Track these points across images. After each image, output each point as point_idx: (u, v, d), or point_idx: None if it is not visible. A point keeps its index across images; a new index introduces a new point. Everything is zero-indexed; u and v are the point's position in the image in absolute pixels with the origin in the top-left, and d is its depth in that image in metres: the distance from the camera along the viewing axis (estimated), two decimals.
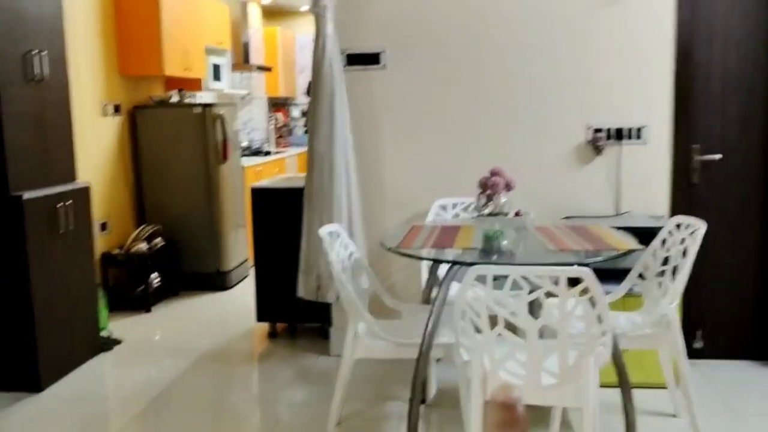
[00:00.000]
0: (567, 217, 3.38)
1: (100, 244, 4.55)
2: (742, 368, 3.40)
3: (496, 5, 3.39)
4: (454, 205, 3.43)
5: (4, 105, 3.09)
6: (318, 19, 3.25)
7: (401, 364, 3.49)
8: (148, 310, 4.63)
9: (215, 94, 6.31)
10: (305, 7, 7.89)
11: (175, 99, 5.36)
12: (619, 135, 3.38)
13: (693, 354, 3.47)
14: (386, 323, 2.68)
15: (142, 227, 4.83)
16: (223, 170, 5.09)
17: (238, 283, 5.32)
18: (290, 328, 4.22)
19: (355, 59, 3.48)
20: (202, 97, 5.97)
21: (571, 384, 2.02)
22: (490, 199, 2.80)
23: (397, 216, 3.58)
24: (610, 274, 3.04)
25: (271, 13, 8.12)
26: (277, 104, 8.30)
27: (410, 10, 3.44)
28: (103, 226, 4.64)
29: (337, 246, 2.65)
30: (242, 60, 6.55)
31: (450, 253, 2.39)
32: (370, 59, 3.47)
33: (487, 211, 2.80)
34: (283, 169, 6.76)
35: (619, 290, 2.88)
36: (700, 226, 2.52)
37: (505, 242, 2.45)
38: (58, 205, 3.40)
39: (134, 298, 4.64)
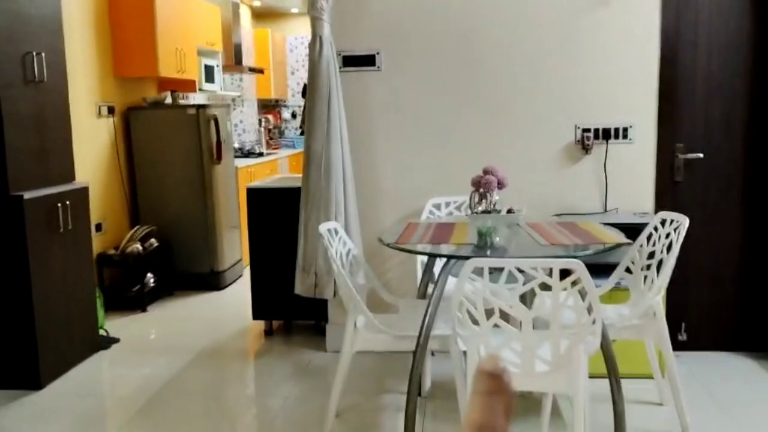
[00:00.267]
0: (557, 215, 3.48)
1: (95, 244, 4.59)
2: (724, 359, 3.53)
3: (488, 10, 3.49)
4: (448, 204, 3.52)
5: (5, 106, 3.14)
6: (315, 21, 3.33)
7: (396, 358, 3.58)
8: (143, 309, 4.68)
9: (208, 96, 6.36)
10: (296, 9, 7.96)
11: (168, 100, 5.42)
12: (606, 135, 3.49)
13: (677, 346, 3.58)
14: (384, 317, 2.77)
15: (136, 228, 4.87)
16: (217, 171, 5.15)
17: (232, 283, 5.38)
18: (286, 325, 4.29)
19: (350, 61, 3.56)
20: (194, 98, 6.02)
21: (563, 371, 2.12)
22: (483, 197, 2.89)
23: (392, 214, 3.66)
24: (599, 268, 3.15)
25: (261, 15, 8.19)
26: (268, 106, 8.36)
27: (405, 13, 3.53)
28: (98, 227, 4.68)
29: (336, 242, 2.73)
30: (233, 61, 6.61)
31: (446, 249, 2.48)
32: (366, 61, 3.56)
33: (480, 208, 2.89)
34: (275, 170, 6.82)
35: (607, 284, 2.99)
36: (684, 222, 2.63)
37: (498, 238, 2.54)
38: (58, 205, 3.46)
39: (130, 298, 4.69)
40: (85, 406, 3.13)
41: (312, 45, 3.37)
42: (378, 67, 3.57)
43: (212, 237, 5.11)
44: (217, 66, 6.14)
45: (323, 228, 2.66)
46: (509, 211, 2.90)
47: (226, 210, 5.31)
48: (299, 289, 3.48)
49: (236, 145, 6.82)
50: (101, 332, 4.02)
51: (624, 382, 3.21)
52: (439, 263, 2.77)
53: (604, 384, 2.51)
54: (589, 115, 3.50)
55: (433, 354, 3.58)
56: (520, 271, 2.07)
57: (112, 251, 4.70)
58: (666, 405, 3.00)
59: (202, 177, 5.05)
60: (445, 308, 2.51)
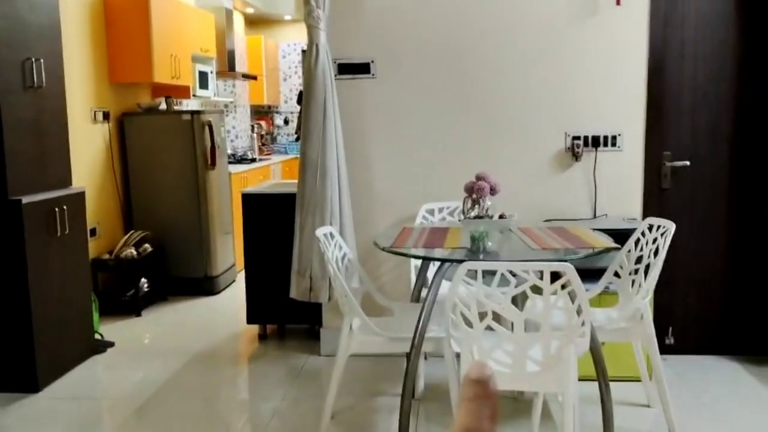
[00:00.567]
0: (548, 220, 3.55)
1: (90, 249, 4.61)
2: (710, 362, 3.61)
3: (481, 20, 3.57)
4: (441, 209, 3.59)
5: (4, 111, 3.18)
6: (311, 30, 3.39)
7: (390, 361, 3.63)
8: (138, 314, 4.70)
9: (201, 102, 6.41)
10: (289, 16, 8.03)
11: (163, 106, 5.46)
12: (595, 142, 3.57)
13: (665, 349, 3.66)
14: (379, 320, 2.83)
15: (130, 233, 4.91)
16: (211, 177, 5.19)
17: (225, 288, 5.41)
18: (280, 329, 4.33)
19: (346, 68, 3.63)
20: (188, 104, 6.06)
21: (553, 371, 2.18)
22: (476, 202, 2.96)
23: (386, 219, 3.73)
24: (589, 272, 3.23)
25: (254, 22, 8.25)
26: (260, 112, 8.41)
27: (399, 23, 3.61)
28: (93, 232, 4.71)
29: (332, 247, 2.79)
30: (227, 68, 6.67)
31: (440, 252, 2.54)
32: (361, 69, 3.62)
33: (473, 213, 2.95)
34: (267, 175, 6.87)
35: (597, 287, 3.06)
36: (670, 227, 2.71)
37: (490, 243, 2.61)
38: (55, 210, 3.49)
39: (124, 303, 4.72)
40: (81, 409, 3.17)
41: (308, 53, 3.43)
42: (373, 75, 3.63)
43: (206, 242, 5.15)
44: (211, 72, 6.19)
45: (320, 232, 2.71)
46: (501, 217, 2.97)
47: (219, 215, 5.35)
48: (294, 293, 3.52)
49: (229, 151, 6.86)
50: (96, 336, 4.05)
51: (612, 385, 3.28)
52: (433, 267, 2.83)
53: (593, 386, 2.58)
54: (578, 123, 3.58)
55: (426, 357, 3.64)
56: (513, 274, 2.13)
57: (106, 256, 4.73)
58: (653, 407, 3.07)
59: (196, 182, 5.10)
60: (438, 311, 2.57)
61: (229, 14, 6.65)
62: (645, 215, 3.56)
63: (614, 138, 3.56)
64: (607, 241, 2.64)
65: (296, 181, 3.61)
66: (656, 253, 2.73)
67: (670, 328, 3.67)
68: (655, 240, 2.79)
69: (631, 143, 3.57)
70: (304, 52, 3.59)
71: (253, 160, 6.85)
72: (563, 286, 2.12)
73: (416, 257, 2.62)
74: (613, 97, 3.55)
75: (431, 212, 3.56)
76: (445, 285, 2.55)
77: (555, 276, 2.11)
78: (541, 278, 2.10)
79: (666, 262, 3.56)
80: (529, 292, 2.13)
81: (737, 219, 3.60)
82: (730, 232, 3.61)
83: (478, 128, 3.64)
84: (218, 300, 5.12)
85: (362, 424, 2.98)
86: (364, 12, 3.61)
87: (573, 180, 3.62)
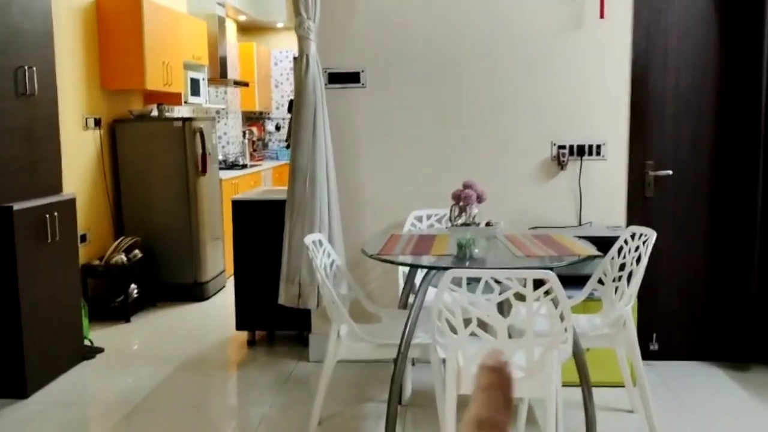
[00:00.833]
0: (534, 228, 3.61)
1: (80, 255, 4.63)
2: (693, 368, 3.66)
3: (470, 32, 3.63)
4: (429, 216, 3.63)
5: None
6: (302, 40, 3.44)
7: (378, 367, 3.67)
8: (127, 320, 4.72)
9: (193, 109, 6.44)
10: (281, 24, 8.08)
11: (154, 113, 5.49)
12: (580, 151, 3.64)
13: (649, 355, 3.72)
14: (366, 326, 2.87)
15: (121, 239, 4.93)
16: (201, 183, 5.22)
17: (215, 294, 5.43)
18: (269, 336, 4.36)
19: (336, 78, 3.68)
20: (180, 111, 6.09)
21: (537, 377, 2.23)
22: (463, 210, 3.01)
23: (374, 226, 3.77)
24: (573, 279, 3.28)
25: (247, 29, 8.29)
26: (252, 118, 8.44)
27: (389, 33, 3.66)
28: (83, 238, 4.73)
29: (320, 254, 2.83)
30: (219, 75, 6.70)
31: (426, 260, 2.58)
32: (351, 78, 3.67)
33: (460, 221, 3.00)
34: (258, 182, 6.90)
35: (581, 294, 3.11)
36: (651, 236, 2.77)
37: (476, 250, 2.66)
38: (46, 216, 3.51)
39: (113, 309, 4.73)
40: (70, 415, 3.18)
41: (299, 63, 3.47)
42: (363, 84, 3.68)
43: (196, 248, 5.18)
44: (203, 79, 6.23)
45: (308, 239, 2.75)
46: (488, 224, 3.02)
47: (210, 221, 5.37)
48: (283, 299, 3.56)
49: (220, 157, 6.89)
50: (86, 342, 4.06)
51: (597, 390, 3.33)
52: (421, 274, 2.87)
53: (577, 392, 2.63)
54: (564, 132, 3.64)
55: (413, 363, 3.68)
56: (497, 281, 2.18)
57: (96, 262, 4.75)
58: (637, 412, 3.12)
59: (186, 189, 5.12)
60: (425, 317, 2.61)
61: (221, 22, 6.69)
62: (629, 223, 3.62)
63: (599, 147, 3.63)
64: (590, 249, 2.69)
65: (286, 187, 3.65)
66: (639, 260, 2.79)
67: (654, 334, 3.73)
68: (637, 248, 2.85)
69: (615, 152, 3.63)
70: (295, 59, 3.64)
71: (245, 166, 6.88)
72: (546, 293, 2.17)
73: (402, 264, 2.66)
74: (598, 107, 3.62)
75: (420, 219, 3.61)
76: (431, 292, 2.59)
77: (538, 283, 2.16)
78: (525, 285, 2.14)
79: (650, 269, 3.63)
80: (512, 299, 2.18)
81: (719, 227, 3.67)
82: (712, 239, 3.68)
83: (467, 137, 3.69)
84: (208, 306, 5.14)
85: (350, 430, 3.01)
86: (354, 23, 3.66)
87: (558, 188, 3.67)
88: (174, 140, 5.09)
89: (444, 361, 2.39)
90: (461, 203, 2.98)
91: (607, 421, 3.04)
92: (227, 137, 7.55)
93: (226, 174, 6.01)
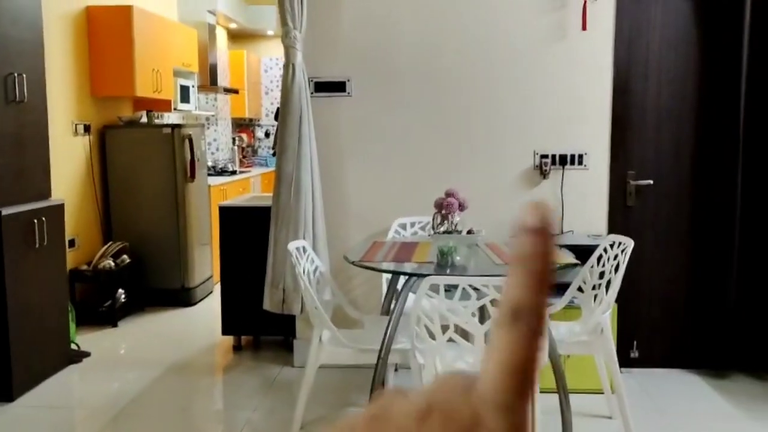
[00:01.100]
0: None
1: (68, 260, 4.64)
2: (673, 375, 3.72)
3: (455, 43, 3.69)
4: (413, 224, 3.68)
5: None
6: (288, 50, 3.50)
7: (360, 373, 3.70)
8: (114, 324, 4.74)
9: (183, 115, 6.47)
10: (271, 32, 8.14)
11: (144, 120, 5.52)
12: (562, 161, 3.70)
13: (630, 363, 3.78)
14: (348, 332, 2.91)
15: (109, 244, 4.95)
16: (190, 189, 5.25)
17: (202, 300, 5.45)
18: (255, 341, 4.39)
19: (323, 87, 3.73)
20: (169, 117, 6.13)
21: None
22: (445, 218, 3.06)
23: (359, 233, 3.81)
24: (554, 287, 3.33)
25: (237, 37, 8.34)
26: (242, 125, 8.48)
27: (374, 43, 3.72)
28: (72, 243, 4.75)
29: (304, 260, 2.87)
30: (209, 82, 6.75)
31: (408, 267, 2.63)
32: (337, 87, 3.73)
33: (442, 229, 3.05)
34: (247, 188, 6.94)
35: (561, 302, 3.16)
36: (629, 244, 2.83)
37: (458, 257, 2.71)
38: (34, 221, 3.54)
39: (101, 313, 4.75)
40: (56, 418, 3.21)
41: (285, 71, 3.53)
42: (348, 93, 3.74)
43: (184, 254, 5.20)
44: (193, 86, 6.27)
45: (292, 246, 2.79)
46: (469, 232, 3.07)
47: (198, 227, 5.40)
48: (267, 304, 3.60)
49: (209, 163, 6.92)
50: (72, 346, 4.08)
51: (576, 397, 3.39)
52: (403, 280, 2.92)
53: (556, 398, 2.68)
54: (546, 142, 3.71)
55: (396, 369, 3.72)
56: (475, 288, 2.23)
57: (84, 267, 4.77)
58: (615, 418, 3.17)
59: (175, 195, 5.15)
60: (406, 323, 2.66)
61: (211, 29, 6.74)
62: (610, 231, 3.68)
63: (581, 157, 3.69)
64: (568, 257, 2.75)
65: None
66: (617, 268, 2.85)
67: (635, 342, 3.79)
68: (616, 256, 2.91)
69: (596, 162, 3.70)
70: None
71: (234, 173, 6.92)
72: None
73: (384, 271, 2.71)
74: (580, 118, 3.68)
75: (403, 227, 3.66)
76: (412, 298, 2.64)
77: None
78: (501, 293, 2.19)
79: (631, 277, 3.69)
80: (489, 306, 2.23)
81: (699, 236, 3.73)
82: (692, 248, 3.75)
83: (451, 146, 3.75)
84: (195, 311, 5.16)
85: None
86: (341, 33, 3.72)
87: (541, 197, 3.73)
88: (163, 146, 5.12)
89: (423, 366, 2.43)
90: (443, 211, 3.03)
91: (585, 427, 3.09)
92: (217, 144, 7.59)
93: (215, 180, 6.04)
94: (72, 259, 4.72)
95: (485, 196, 3.74)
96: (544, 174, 3.71)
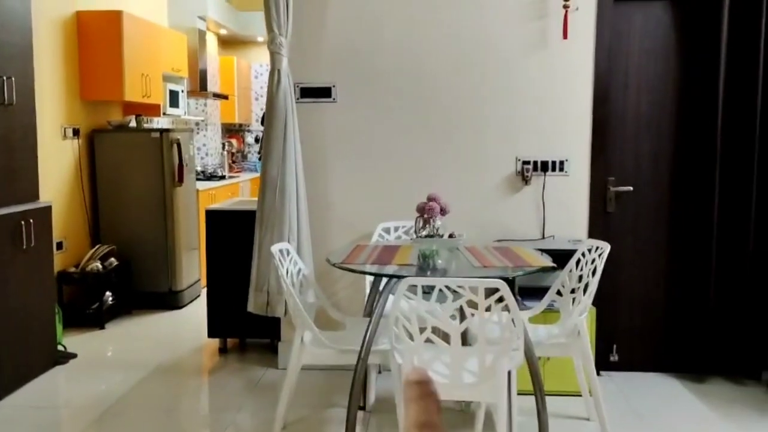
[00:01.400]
0: (499, 240, 3.72)
1: (56, 262, 4.67)
2: (651, 379, 3.79)
3: (439, 50, 3.76)
4: (396, 228, 3.74)
5: None
6: (273, 56, 3.55)
7: (342, 374, 3.75)
8: (101, 327, 4.76)
9: (172, 120, 6.51)
10: (261, 38, 8.20)
11: (133, 124, 5.56)
12: (544, 167, 3.77)
13: (609, 366, 3.84)
14: (331, 333, 2.96)
15: (97, 247, 4.98)
16: (178, 193, 5.29)
17: (190, 303, 5.49)
18: (240, 343, 4.43)
19: (308, 92, 3.79)
20: (159, 122, 6.17)
21: (489, 382, 2.33)
22: (427, 222, 3.11)
23: (343, 237, 3.87)
24: (534, 291, 3.40)
25: (227, 43, 8.40)
26: (231, 130, 8.53)
27: (360, 50, 3.78)
28: (60, 245, 4.78)
29: (287, 262, 2.92)
30: (199, 87, 6.79)
31: (390, 269, 2.68)
32: (323, 93, 3.79)
33: (424, 233, 3.11)
34: (236, 192, 6.98)
35: (540, 305, 3.22)
36: (605, 248, 2.89)
37: (440, 261, 2.76)
38: (22, 223, 3.57)
39: (88, 316, 4.78)
40: (41, 419, 3.23)
41: (270, 77, 3.58)
42: (333, 99, 3.80)
43: (171, 257, 5.24)
44: (182, 91, 6.31)
45: (275, 248, 2.84)
46: (451, 236, 3.13)
47: (185, 231, 5.44)
48: (252, 306, 3.64)
49: (199, 168, 6.97)
50: (59, 348, 4.11)
51: (555, 399, 3.45)
52: (384, 283, 2.97)
53: (533, 399, 2.73)
54: (528, 148, 3.77)
55: (380, 371, 3.77)
56: (452, 291, 2.28)
57: (72, 269, 4.80)
58: (593, 420, 3.23)
59: (163, 198, 5.19)
60: (387, 324, 2.70)
61: (202, 35, 6.79)
62: (590, 237, 3.75)
63: (562, 163, 3.76)
64: (545, 261, 2.81)
65: None
66: (595, 272, 2.91)
67: (615, 346, 3.85)
68: (594, 260, 2.97)
69: (577, 168, 3.77)
70: None
71: (223, 177, 6.96)
72: (499, 300, 2.27)
73: (365, 273, 2.76)
74: (561, 125, 3.75)
75: (387, 231, 3.71)
76: (392, 300, 2.69)
77: (494, 292, 2.26)
78: (477, 294, 2.25)
79: (611, 282, 3.77)
80: (466, 308, 2.28)
81: (678, 241, 3.81)
82: (671, 253, 3.82)
83: (434, 152, 3.81)
84: (182, 314, 5.19)
85: None
86: (327, 39, 3.78)
87: (523, 202, 3.80)
88: (151, 151, 5.16)
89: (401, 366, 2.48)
90: (425, 215, 3.09)
91: (563, 428, 3.14)
92: (206, 149, 7.63)
93: (203, 185, 6.08)
94: (60, 261, 4.75)
95: (469, 201, 3.80)
96: (525, 180, 3.77)
